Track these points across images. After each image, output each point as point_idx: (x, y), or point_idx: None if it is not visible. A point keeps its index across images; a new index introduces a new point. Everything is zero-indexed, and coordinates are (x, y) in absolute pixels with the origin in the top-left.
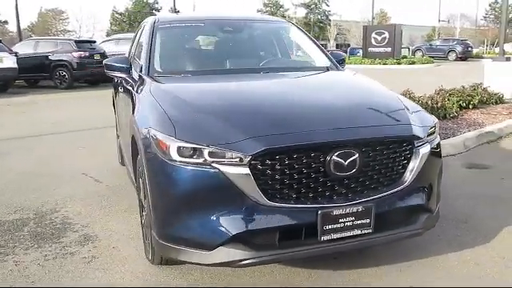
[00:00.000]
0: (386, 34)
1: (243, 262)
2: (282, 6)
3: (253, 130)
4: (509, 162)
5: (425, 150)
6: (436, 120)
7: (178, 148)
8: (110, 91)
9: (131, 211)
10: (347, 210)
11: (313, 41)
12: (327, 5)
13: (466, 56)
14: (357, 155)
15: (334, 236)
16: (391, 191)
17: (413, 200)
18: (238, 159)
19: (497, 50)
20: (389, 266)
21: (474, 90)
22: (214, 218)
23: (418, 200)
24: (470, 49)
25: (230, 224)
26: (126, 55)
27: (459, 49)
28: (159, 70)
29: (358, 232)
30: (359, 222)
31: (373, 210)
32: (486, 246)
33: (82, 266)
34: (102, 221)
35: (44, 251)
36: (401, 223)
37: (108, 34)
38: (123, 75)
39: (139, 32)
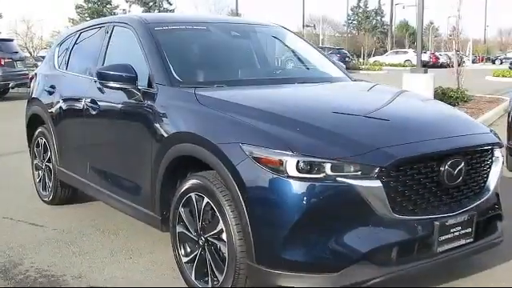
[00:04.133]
0: None
1: (371, 282)
2: (109, 2)
3: (378, 140)
4: None
5: (500, 157)
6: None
7: (298, 163)
8: None
9: (119, 255)
10: (458, 220)
11: (313, 46)
12: (170, 3)
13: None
14: (463, 164)
15: (447, 247)
16: (482, 199)
17: (494, 208)
18: (367, 171)
19: (371, 60)
20: None
21: None
22: (339, 236)
23: (496, 208)
24: (347, 59)
25: (359, 241)
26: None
27: (335, 59)
28: (179, 79)
29: (463, 242)
30: (464, 231)
31: (475, 218)
32: None
33: None
34: (95, 269)
35: None
36: (487, 232)
37: None
38: (127, 86)
39: (103, 35)
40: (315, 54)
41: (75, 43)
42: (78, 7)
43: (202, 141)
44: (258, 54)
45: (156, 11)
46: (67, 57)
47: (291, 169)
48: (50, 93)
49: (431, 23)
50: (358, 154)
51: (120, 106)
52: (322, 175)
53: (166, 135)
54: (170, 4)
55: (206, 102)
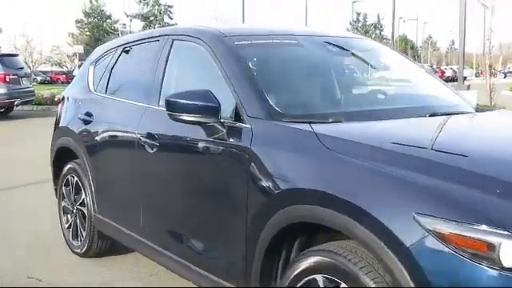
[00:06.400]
0: None
1: None
2: (109, 17)
3: None
4: None
5: None
6: None
7: None
8: None
9: None
10: None
11: (416, 64)
12: (170, 17)
13: None
14: None
15: None
16: None
17: None
18: None
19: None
20: None
21: None
22: None
23: None
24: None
25: None
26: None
27: None
28: (281, 111)
29: None
30: None
31: None
32: None
33: None
34: None
35: None
36: None
37: None
38: (207, 120)
39: (157, 52)
40: (423, 75)
41: (116, 61)
42: (78, 22)
43: (341, 204)
44: (362, 76)
45: (157, 26)
46: (107, 78)
47: (508, 256)
48: (86, 122)
49: (430, 37)
50: None
51: (193, 144)
52: None
53: (271, 191)
54: (171, 18)
55: (334, 144)
